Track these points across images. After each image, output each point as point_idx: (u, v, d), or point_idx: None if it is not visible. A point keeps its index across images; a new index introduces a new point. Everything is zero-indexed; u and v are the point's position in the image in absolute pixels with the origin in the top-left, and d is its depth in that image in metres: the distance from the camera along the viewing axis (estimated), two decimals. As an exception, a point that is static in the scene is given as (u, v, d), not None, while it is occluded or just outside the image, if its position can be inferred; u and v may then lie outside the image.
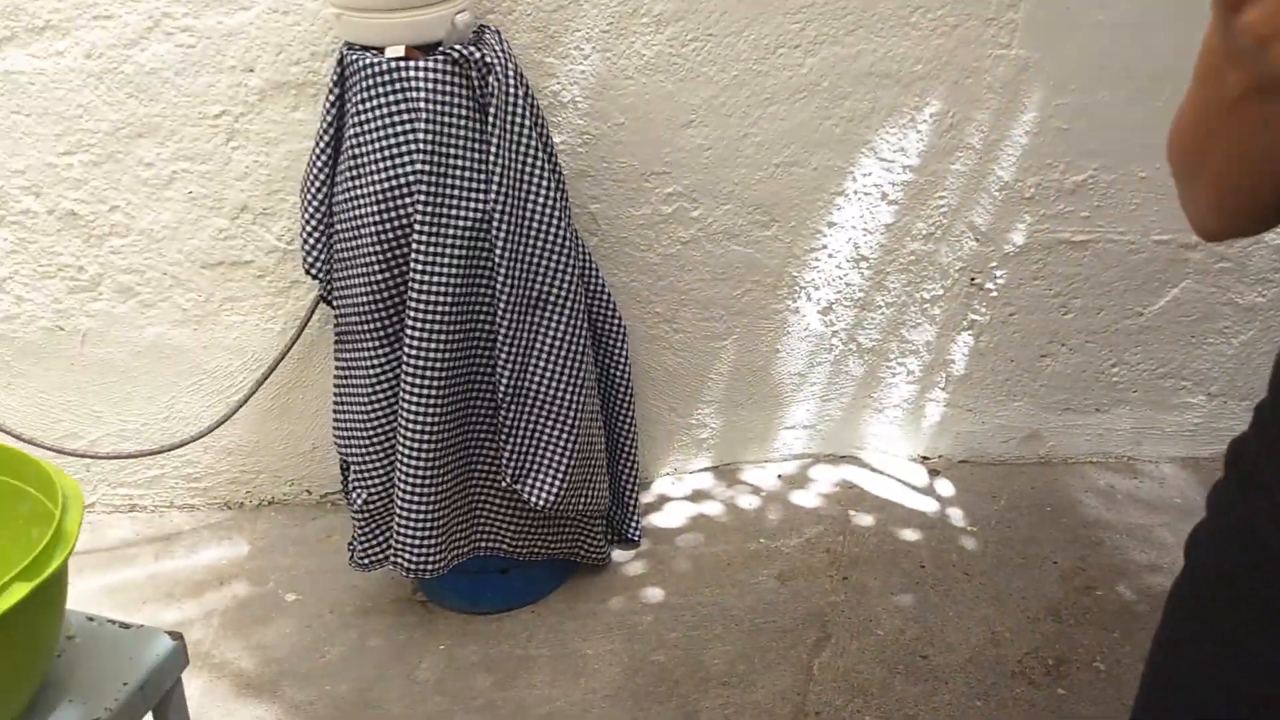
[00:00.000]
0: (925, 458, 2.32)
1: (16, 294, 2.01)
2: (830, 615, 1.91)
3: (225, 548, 2.14)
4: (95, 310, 2.04)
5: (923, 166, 2.00)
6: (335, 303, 1.74)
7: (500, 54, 1.56)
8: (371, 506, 1.77)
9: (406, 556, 1.71)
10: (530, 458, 1.73)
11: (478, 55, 1.53)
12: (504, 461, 1.72)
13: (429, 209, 1.56)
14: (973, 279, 2.12)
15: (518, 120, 1.58)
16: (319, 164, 1.64)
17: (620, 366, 1.90)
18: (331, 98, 1.60)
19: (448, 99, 1.53)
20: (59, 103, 1.86)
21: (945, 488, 2.24)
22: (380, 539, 1.81)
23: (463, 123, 1.55)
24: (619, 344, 1.89)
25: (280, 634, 1.91)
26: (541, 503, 1.74)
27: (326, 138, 1.62)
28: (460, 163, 1.56)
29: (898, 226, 2.05)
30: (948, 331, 2.17)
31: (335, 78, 1.59)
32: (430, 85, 1.52)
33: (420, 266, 1.57)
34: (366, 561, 1.82)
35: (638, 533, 2.05)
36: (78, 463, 2.17)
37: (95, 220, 1.96)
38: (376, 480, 1.74)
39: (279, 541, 2.15)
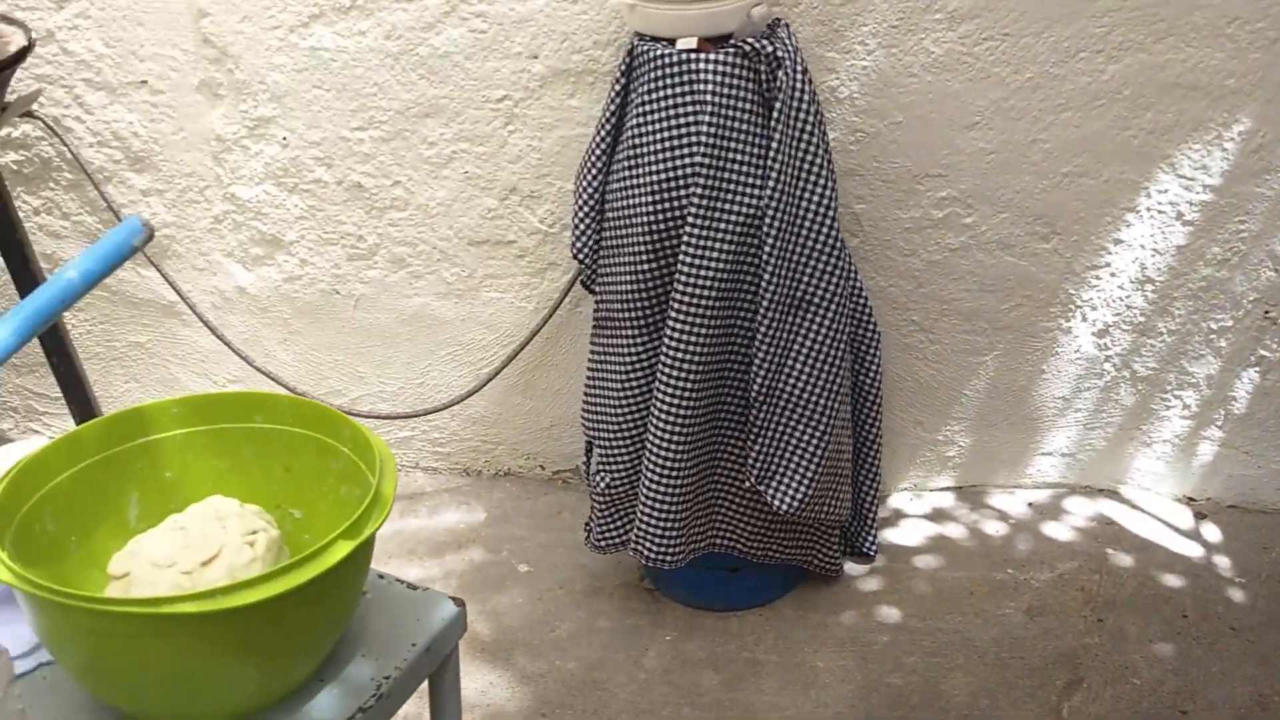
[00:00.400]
0: (1191, 499, 2.15)
1: (301, 257, 2.15)
2: (1083, 658, 1.80)
3: (463, 512, 2.22)
4: (369, 277, 2.15)
5: (1225, 187, 1.84)
6: (597, 289, 1.76)
7: (790, 48, 1.54)
8: (614, 491, 1.79)
9: (647, 545, 1.72)
10: (777, 460, 1.70)
11: (769, 49, 1.51)
12: (750, 461, 1.71)
13: (704, 202, 1.55)
14: (1266, 312, 1.94)
15: (801, 117, 1.55)
16: (598, 152, 1.67)
17: (872, 374, 1.85)
18: (617, 87, 1.62)
19: (734, 92, 1.52)
20: (357, 80, 1.96)
21: (1212, 533, 2.07)
22: (619, 523, 1.83)
23: (746, 117, 1.54)
24: (873, 351, 1.83)
25: (513, 603, 1.96)
26: (784, 507, 1.71)
27: (608, 126, 1.64)
28: (739, 157, 1.55)
29: (1190, 249, 1.90)
30: (1232, 366, 2.00)
31: (623, 68, 1.61)
32: (718, 78, 1.51)
33: (689, 259, 1.57)
34: (603, 544, 1.84)
35: (874, 547, 1.99)
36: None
37: (378, 193, 2.06)
38: (621, 466, 1.76)
39: (513, 513, 2.21)
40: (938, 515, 2.13)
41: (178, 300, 2.19)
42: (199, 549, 1.02)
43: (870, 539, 1.97)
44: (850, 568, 2.00)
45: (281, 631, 0.93)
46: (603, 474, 1.79)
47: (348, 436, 1.08)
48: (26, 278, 1.86)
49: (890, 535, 2.08)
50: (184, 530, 1.04)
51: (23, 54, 1.64)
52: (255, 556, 1.03)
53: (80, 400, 2.00)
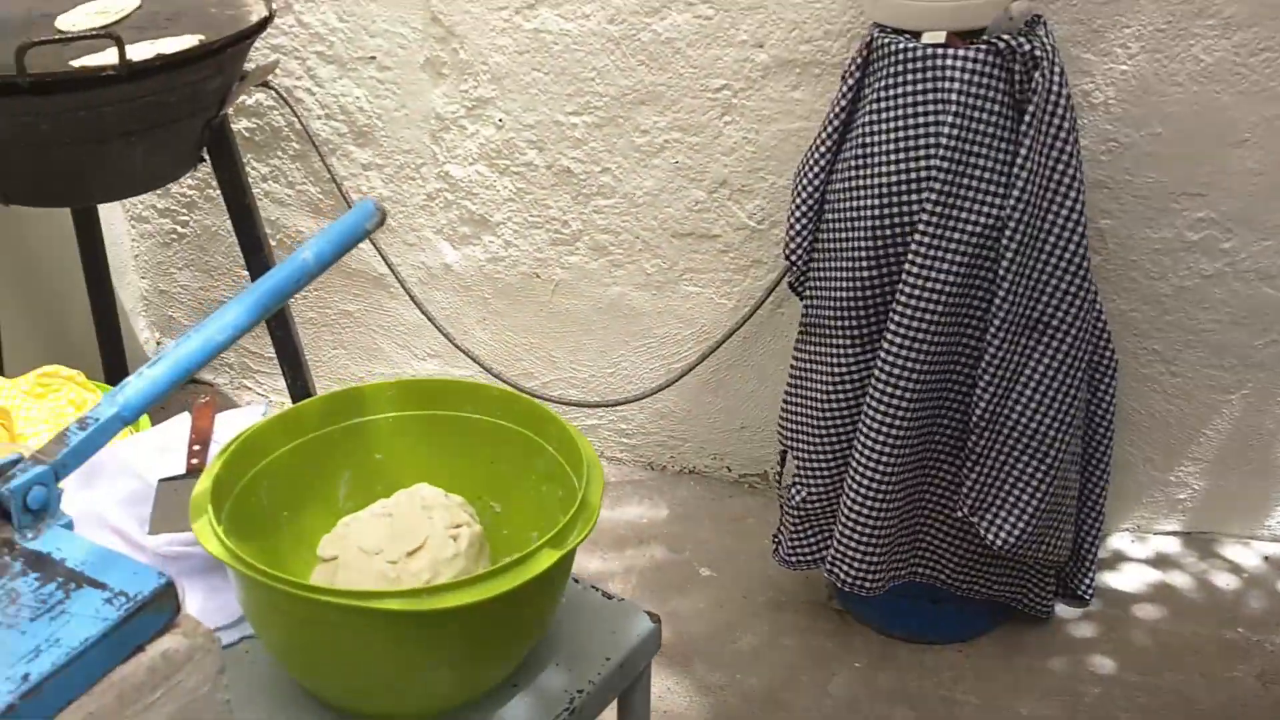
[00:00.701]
0: None
1: (506, 239, 2.15)
2: (1325, 741, 1.61)
3: (646, 507, 2.18)
4: (570, 263, 2.13)
5: None
6: (807, 293, 1.67)
7: (1049, 48, 1.41)
8: (810, 506, 1.70)
9: (845, 568, 1.63)
10: (995, 492, 1.58)
11: (1026, 48, 1.39)
12: (964, 491, 1.59)
13: (939, 210, 1.44)
14: None
15: (1056, 123, 1.42)
16: (822, 149, 1.58)
17: (1105, 405, 1.70)
18: (850, 81, 1.53)
19: (982, 93, 1.41)
20: (576, 64, 1.93)
21: None
22: (812, 540, 1.74)
23: (993, 119, 1.42)
24: (1108, 380, 1.68)
25: (694, 608, 1.91)
26: (999, 543, 1.59)
27: (836, 122, 1.55)
28: (982, 163, 1.43)
29: None
30: None
31: (859, 61, 1.51)
32: (966, 76, 1.40)
33: (916, 270, 1.47)
34: (794, 560, 1.76)
35: (1090, 591, 1.83)
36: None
37: (586, 179, 2.03)
38: (820, 481, 1.67)
39: (696, 512, 2.16)
40: (1162, 561, 1.96)
41: (387, 273, 2.23)
42: (405, 538, 1.00)
43: (1087, 581, 1.82)
44: (1062, 609, 1.85)
45: (480, 635, 0.91)
46: (798, 487, 1.71)
47: (554, 435, 1.05)
48: (253, 242, 1.92)
49: (1108, 578, 1.92)
50: (391, 518, 1.03)
51: (262, 25, 1.68)
52: (458, 551, 1.01)
53: (292, 363, 2.06)
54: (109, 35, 1.42)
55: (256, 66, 1.83)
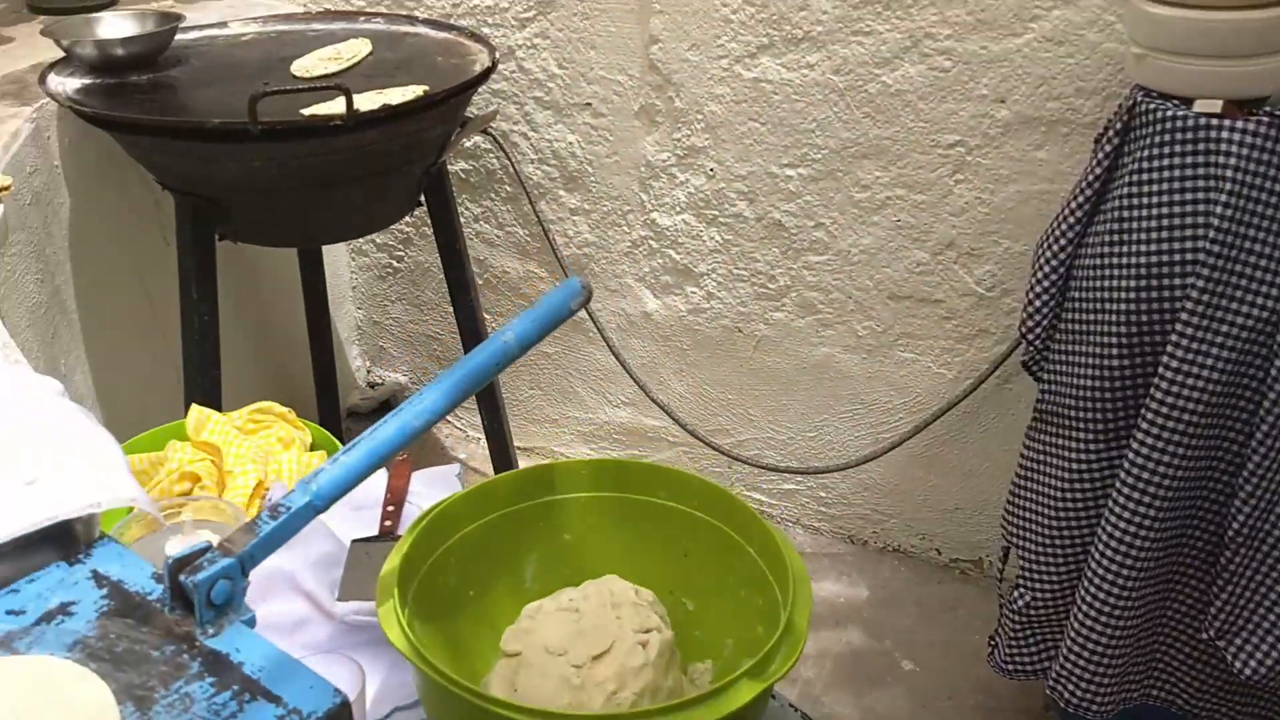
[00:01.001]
0: None
1: (709, 290, 2.08)
2: None
3: (843, 585, 2.06)
4: (775, 319, 2.04)
5: None
6: (1045, 376, 1.52)
7: (1349, 120, 1.22)
8: (1034, 612, 1.54)
9: (1070, 689, 1.46)
10: (1248, 616, 1.38)
11: (1323, 120, 1.21)
12: (1212, 611, 1.40)
13: (1205, 298, 1.27)
14: None
15: (1353, 205, 1.23)
16: (1072, 219, 1.43)
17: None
18: (1107, 148, 1.37)
19: (1262, 170, 1.23)
20: (795, 115, 1.85)
21: None
22: (1035, 648, 1.58)
23: (1274, 201, 1.24)
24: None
25: (893, 705, 1.77)
26: (1247, 671, 1.39)
27: (1089, 191, 1.40)
28: (1258, 249, 1.26)
29: None
30: None
31: (1117, 126, 1.36)
32: (1245, 151, 1.23)
33: (1175, 364, 1.30)
34: (1012, 669, 1.60)
35: (1354, 732, 1.59)
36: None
37: (798, 234, 1.94)
38: (1048, 586, 1.51)
39: (899, 596, 2.02)
40: None
41: (586, 318, 2.21)
42: (591, 640, 0.94)
43: (1350, 723, 1.58)
44: (1315, 750, 1.61)
45: (667, 765, 0.82)
46: (1023, 590, 1.55)
47: (757, 538, 0.96)
48: (461, 283, 1.93)
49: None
50: (578, 614, 0.97)
51: (485, 75, 1.67)
52: (647, 661, 0.93)
53: (490, 404, 2.06)
54: (337, 87, 1.43)
55: (477, 115, 1.84)
